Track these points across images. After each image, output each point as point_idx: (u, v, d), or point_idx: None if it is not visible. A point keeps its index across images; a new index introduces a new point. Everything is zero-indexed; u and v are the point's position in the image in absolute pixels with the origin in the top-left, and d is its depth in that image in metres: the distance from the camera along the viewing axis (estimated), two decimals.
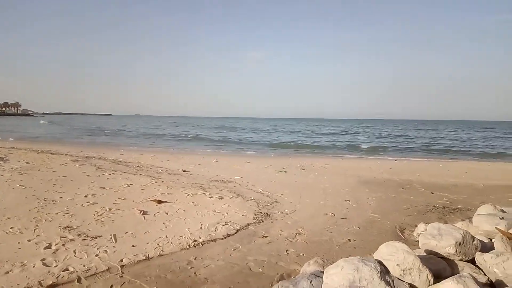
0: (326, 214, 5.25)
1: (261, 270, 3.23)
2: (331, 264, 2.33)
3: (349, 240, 4.13)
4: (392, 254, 2.17)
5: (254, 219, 4.88)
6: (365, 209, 5.62)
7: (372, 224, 4.79)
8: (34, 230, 4.07)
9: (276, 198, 6.23)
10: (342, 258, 2.31)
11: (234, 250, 3.73)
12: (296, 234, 4.29)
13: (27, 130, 34.80)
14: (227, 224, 4.60)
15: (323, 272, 2.42)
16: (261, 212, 5.23)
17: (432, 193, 6.99)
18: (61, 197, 5.64)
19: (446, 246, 2.36)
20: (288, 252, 3.70)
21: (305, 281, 2.30)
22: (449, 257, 2.39)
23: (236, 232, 4.30)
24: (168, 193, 6.24)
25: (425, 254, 2.47)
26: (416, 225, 4.57)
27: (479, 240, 2.51)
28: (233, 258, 3.50)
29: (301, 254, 3.64)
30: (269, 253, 3.64)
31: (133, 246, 3.72)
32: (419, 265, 2.06)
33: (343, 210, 5.49)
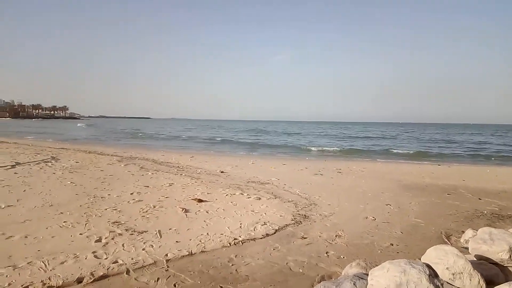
0: (367, 217, 5.14)
1: (301, 271, 3.24)
2: (375, 267, 2.30)
3: (392, 244, 4.02)
4: (441, 257, 2.10)
5: (292, 220, 4.89)
6: (407, 214, 5.43)
7: (415, 229, 4.62)
8: (85, 225, 4.33)
9: (313, 200, 6.19)
10: (385, 261, 2.27)
11: (273, 249, 3.76)
12: (335, 236, 4.25)
13: (65, 132, 36.55)
14: (266, 224, 4.64)
15: (366, 274, 2.39)
16: (299, 214, 5.22)
17: (479, 199, 6.62)
18: (109, 194, 5.97)
19: (499, 252, 2.24)
20: (328, 254, 3.67)
21: (349, 282, 2.28)
22: (502, 263, 2.27)
23: (275, 232, 4.33)
24: (208, 193, 6.41)
25: (475, 259, 2.36)
26: (463, 231, 4.35)
27: None
28: (273, 258, 3.54)
29: (341, 257, 3.60)
30: (308, 254, 3.63)
31: (176, 241, 3.86)
32: (470, 270, 1.98)
33: (384, 214, 5.35)
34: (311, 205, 5.84)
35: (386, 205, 5.99)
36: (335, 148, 22.55)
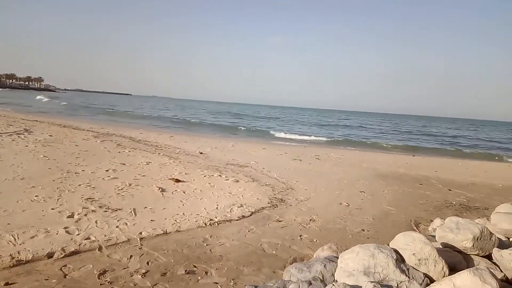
0: (341, 203, 5.27)
1: (274, 252, 3.30)
2: (345, 250, 2.36)
3: (363, 230, 4.16)
4: (409, 243, 2.18)
5: (268, 203, 4.95)
6: (380, 201, 5.61)
7: (387, 216, 4.79)
8: (58, 200, 4.23)
9: (291, 185, 6.27)
10: (356, 245, 2.34)
11: (248, 231, 3.81)
12: (310, 220, 4.34)
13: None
14: (242, 206, 4.68)
15: (337, 257, 2.46)
16: (275, 197, 5.29)
17: (449, 190, 6.90)
18: (83, 170, 5.83)
19: (463, 240, 2.35)
20: (301, 237, 3.76)
21: (319, 264, 2.34)
22: (465, 251, 2.38)
23: (251, 215, 4.38)
24: (186, 173, 6.37)
25: (441, 247, 2.47)
26: (431, 220, 4.53)
27: (497, 237, 2.49)
28: (247, 239, 3.58)
29: (314, 240, 3.69)
30: (282, 237, 3.70)
31: (151, 220, 3.84)
32: (435, 256, 2.07)
33: (358, 201, 5.50)
34: (288, 189, 5.92)
35: (360, 192, 6.15)
36: (303, 136, 22.42)
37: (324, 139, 21.22)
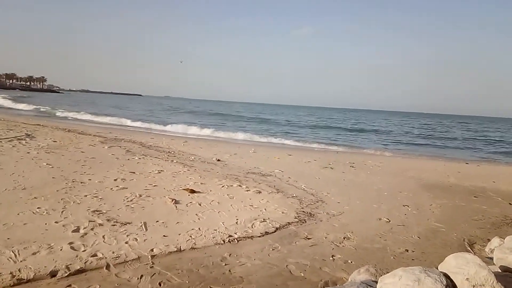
0: (380, 219, 5.19)
1: (302, 275, 3.29)
2: (386, 274, 2.33)
3: (407, 250, 4.06)
4: (461, 267, 2.13)
5: (295, 218, 4.94)
6: (427, 217, 5.48)
7: (435, 235, 4.67)
8: (62, 212, 4.38)
9: (321, 197, 6.23)
10: (398, 268, 2.30)
11: (272, 250, 3.81)
12: (344, 238, 4.30)
13: None
14: (266, 221, 4.69)
15: (375, 282, 2.42)
16: (303, 211, 5.27)
17: (510, 203, 6.64)
18: (90, 179, 6.02)
19: None
20: (334, 257, 3.72)
21: None
22: None
23: (275, 231, 4.38)
24: (201, 183, 6.46)
25: (500, 271, 2.39)
26: (488, 240, 4.39)
27: None
28: (271, 259, 3.58)
29: (349, 261, 3.65)
30: (312, 257, 3.68)
31: (164, 236, 3.92)
32: (493, 282, 2.01)
33: (401, 216, 5.39)
34: (318, 202, 5.89)
35: (403, 206, 6.03)
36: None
37: (357, 143, 21.01)
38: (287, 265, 3.46)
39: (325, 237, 4.29)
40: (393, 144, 22.08)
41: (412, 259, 3.83)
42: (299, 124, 37.00)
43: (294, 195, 6.21)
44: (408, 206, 6.03)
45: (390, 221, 5.12)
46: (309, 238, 4.22)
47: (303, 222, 4.79)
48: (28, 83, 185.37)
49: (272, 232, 4.33)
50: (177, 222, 4.39)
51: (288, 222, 4.72)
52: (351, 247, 4.04)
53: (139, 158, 8.54)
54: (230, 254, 3.60)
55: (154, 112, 43.50)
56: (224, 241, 3.94)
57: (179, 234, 4.00)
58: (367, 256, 3.82)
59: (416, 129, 39.74)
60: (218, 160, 9.51)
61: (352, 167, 10.16)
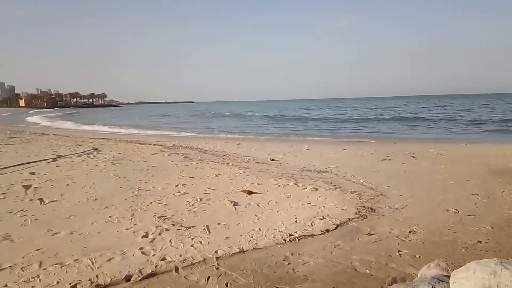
0: (448, 210, 4.92)
1: (368, 271, 3.21)
2: (458, 268, 2.21)
3: (479, 241, 3.82)
4: None
5: (356, 213, 4.83)
6: (499, 205, 5.11)
7: (509, 223, 4.35)
8: (131, 219, 4.65)
9: (381, 190, 6.04)
10: (471, 261, 2.17)
11: (335, 247, 3.77)
12: (409, 232, 4.13)
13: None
14: (325, 218, 4.64)
15: (447, 276, 2.31)
16: (364, 206, 5.14)
17: None
18: (154, 187, 6.34)
19: None
20: (400, 252, 3.59)
21: (426, 285, 2.23)
22: None
23: (336, 228, 4.33)
24: (258, 184, 6.54)
25: None
26: None
27: None
28: (334, 256, 3.55)
29: (417, 256, 3.50)
30: (377, 253, 3.59)
31: (226, 237, 4.02)
32: None
33: (470, 206, 5.08)
34: (378, 196, 5.72)
35: (472, 194, 5.67)
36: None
37: (416, 131, 20.09)
38: (351, 262, 3.40)
39: (389, 232, 4.15)
40: (452, 130, 20.81)
41: (486, 251, 3.60)
42: (353, 116, 36.14)
43: (353, 190, 6.08)
44: (477, 194, 5.66)
45: (458, 211, 4.84)
46: (372, 234, 4.11)
47: (364, 218, 4.68)
48: (90, 100, 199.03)
49: (333, 229, 4.28)
50: (238, 224, 4.48)
51: (349, 218, 4.64)
52: (418, 241, 3.88)
53: (197, 163, 8.84)
54: (292, 253, 3.62)
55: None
56: (285, 240, 3.96)
57: (241, 235, 4.09)
58: (436, 250, 3.65)
59: (466, 111, 37.19)
60: (272, 160, 9.56)
61: (413, 157, 9.72)
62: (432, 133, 19.79)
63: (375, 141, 15.80)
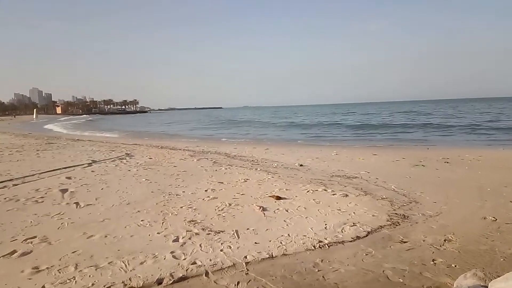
0: (485, 218, 4.72)
1: (401, 280, 3.13)
2: (496, 278, 2.13)
3: None
4: None
5: (388, 220, 4.72)
6: None
7: None
8: (162, 223, 4.74)
9: (414, 197, 5.88)
10: (510, 271, 2.08)
11: (366, 255, 3.69)
12: (444, 240, 3.99)
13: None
14: (356, 225, 4.56)
15: (485, 286, 2.23)
16: (396, 213, 5.02)
17: None
18: (184, 192, 6.45)
19: None
20: (435, 261, 3.48)
21: None
22: None
23: (367, 235, 4.24)
24: (286, 189, 6.52)
25: None
26: None
27: None
28: (365, 264, 3.47)
29: (452, 265, 3.38)
30: (410, 261, 3.49)
31: (255, 243, 4.03)
32: None
33: (509, 214, 4.85)
34: (411, 203, 5.56)
35: (511, 201, 5.41)
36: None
37: (451, 136, 19.41)
38: (383, 271, 3.32)
39: (423, 240, 4.03)
40: (487, 135, 19.95)
41: None
42: (384, 121, 35.43)
43: (384, 196, 5.95)
44: None
45: (496, 219, 4.64)
46: (405, 242, 4.00)
47: (396, 225, 4.56)
48: (123, 107, 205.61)
49: (364, 237, 4.20)
50: (267, 229, 4.48)
51: (380, 226, 4.54)
52: (453, 250, 3.74)
53: (226, 168, 8.92)
54: (322, 260, 3.57)
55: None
56: (314, 246, 3.92)
57: (270, 241, 4.08)
58: (473, 259, 3.50)
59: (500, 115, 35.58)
60: (301, 165, 9.51)
61: (447, 163, 9.41)
62: (468, 138, 19.09)
63: (407, 146, 15.43)
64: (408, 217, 4.87)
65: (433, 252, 3.71)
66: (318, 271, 3.35)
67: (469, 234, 4.18)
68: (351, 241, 4.07)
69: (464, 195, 5.93)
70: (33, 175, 8.07)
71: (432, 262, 3.46)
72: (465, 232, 4.24)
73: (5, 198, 5.98)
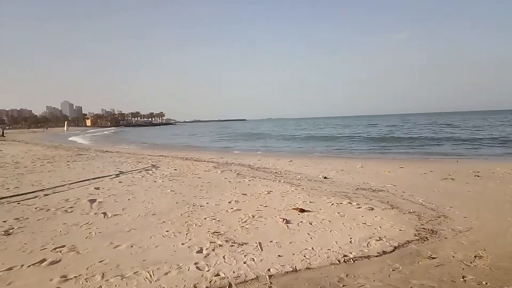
0: None
1: None
2: None
3: None
4: None
5: (415, 235, 4.59)
6: None
7: None
8: (187, 234, 4.78)
9: (443, 211, 5.70)
10: None
11: (393, 270, 3.59)
12: (475, 257, 3.84)
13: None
14: (382, 239, 4.45)
15: None
16: (424, 228, 4.87)
17: None
18: (207, 203, 6.49)
19: None
20: (465, 278, 3.34)
21: None
22: None
23: (393, 250, 4.13)
24: (310, 202, 6.45)
25: None
26: None
27: None
28: (392, 280, 3.38)
29: (483, 283, 3.24)
30: (439, 278, 3.37)
31: (279, 256, 3.99)
32: None
33: None
34: (439, 217, 5.39)
35: None
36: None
37: (481, 149, 18.74)
38: (411, 287, 3.22)
39: (453, 256, 3.88)
40: None
41: None
42: (411, 133, 34.67)
43: (411, 210, 5.79)
44: None
45: None
46: (433, 258, 3.87)
47: (424, 240, 4.42)
48: (150, 119, 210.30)
49: (391, 252, 4.09)
50: (290, 242, 4.44)
51: (408, 240, 4.41)
52: (484, 267, 3.59)
53: (249, 180, 8.93)
54: (347, 275, 3.50)
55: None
56: (339, 261, 3.85)
57: (293, 254, 4.04)
58: (505, 276, 3.35)
59: None
60: (325, 177, 9.41)
61: (478, 176, 9.08)
62: (498, 151, 18.40)
63: (434, 159, 15.01)
64: (436, 232, 4.71)
65: (463, 268, 3.57)
66: (343, 286, 3.28)
67: (501, 250, 4.00)
68: (377, 256, 3.97)
69: (496, 209, 5.70)
70: (63, 185, 8.33)
71: (462, 279, 3.33)
72: (496, 248, 4.07)
73: (36, 208, 6.19)
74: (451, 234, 4.63)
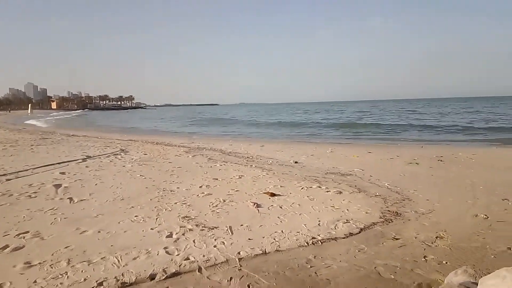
0: (477, 215, 4.77)
1: (393, 277, 3.15)
2: (487, 275, 2.15)
3: (509, 248, 3.68)
4: None
5: (380, 218, 4.75)
6: None
7: None
8: (156, 219, 4.73)
9: (407, 194, 5.92)
10: (501, 268, 2.10)
11: (358, 251, 3.71)
12: (436, 238, 4.03)
13: None
14: (349, 222, 4.58)
15: (475, 283, 2.25)
16: (389, 211, 5.05)
17: None
18: (178, 188, 6.44)
19: None
20: (426, 258, 3.50)
21: None
22: None
23: (360, 232, 4.26)
24: (281, 186, 6.53)
25: None
26: None
27: None
28: (358, 260, 3.50)
29: (443, 262, 3.41)
30: (402, 258, 3.51)
31: (249, 239, 4.04)
32: None
33: (500, 211, 4.90)
34: (404, 200, 5.60)
35: (503, 200, 5.47)
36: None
37: (443, 134, 19.55)
38: (375, 267, 3.34)
39: (415, 237, 4.06)
40: (482, 134, 20.09)
41: None
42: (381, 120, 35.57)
43: (378, 194, 5.98)
44: (508, 200, 5.45)
45: (488, 217, 4.68)
46: (397, 239, 4.03)
47: (389, 222, 4.59)
48: (119, 103, 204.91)
49: (357, 233, 4.22)
50: (260, 226, 4.49)
51: (373, 222, 4.56)
52: (445, 247, 3.77)
53: (221, 165, 8.92)
54: (315, 256, 3.59)
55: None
56: (307, 243, 3.94)
57: (263, 237, 4.09)
58: (464, 256, 3.54)
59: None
60: (296, 162, 9.53)
61: (441, 161, 9.46)
62: (462, 136, 19.23)
63: (401, 144, 15.50)
64: (401, 214, 4.90)
65: (424, 249, 3.74)
66: (311, 267, 3.36)
67: (461, 231, 4.21)
68: (344, 238, 4.09)
69: (457, 193, 5.97)
70: (26, 170, 8.02)
71: (424, 259, 3.49)
72: (456, 229, 4.28)
73: None
74: (414, 216, 4.83)
